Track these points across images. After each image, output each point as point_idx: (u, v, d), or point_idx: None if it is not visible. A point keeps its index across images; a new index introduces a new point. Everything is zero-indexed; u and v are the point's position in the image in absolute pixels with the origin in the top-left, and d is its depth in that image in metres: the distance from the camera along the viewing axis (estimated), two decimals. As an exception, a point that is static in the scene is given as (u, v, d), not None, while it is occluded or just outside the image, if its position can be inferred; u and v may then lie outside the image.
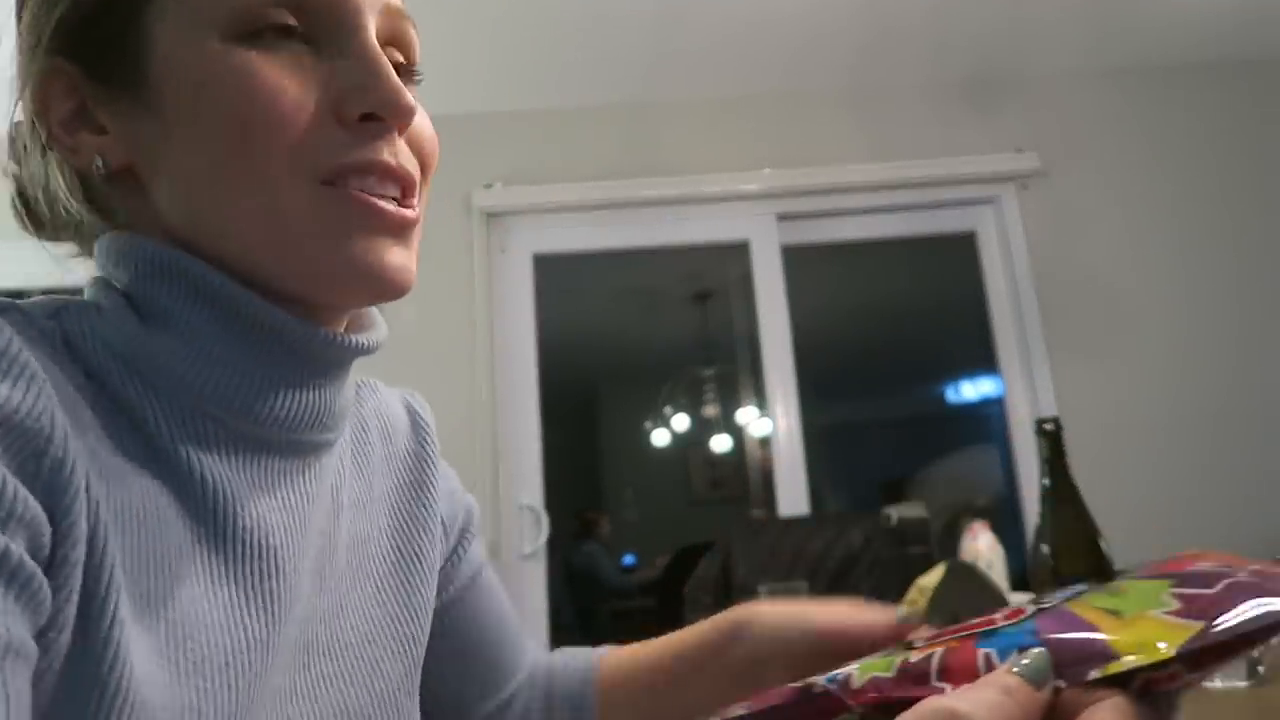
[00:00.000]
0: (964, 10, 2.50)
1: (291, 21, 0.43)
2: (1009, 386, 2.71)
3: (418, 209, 0.48)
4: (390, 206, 0.45)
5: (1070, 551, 0.90)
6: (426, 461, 0.62)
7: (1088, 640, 0.30)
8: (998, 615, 0.36)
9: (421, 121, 0.48)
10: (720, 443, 5.21)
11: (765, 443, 3.24)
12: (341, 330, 0.49)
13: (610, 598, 4.55)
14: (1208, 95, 2.82)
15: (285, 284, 0.45)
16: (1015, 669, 0.29)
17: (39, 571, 0.33)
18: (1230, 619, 0.29)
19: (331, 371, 0.48)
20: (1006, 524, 2.68)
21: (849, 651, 0.46)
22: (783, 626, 0.58)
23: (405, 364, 2.55)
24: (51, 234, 0.52)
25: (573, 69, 2.65)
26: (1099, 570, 0.89)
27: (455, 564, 0.65)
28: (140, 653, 0.37)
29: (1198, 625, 0.29)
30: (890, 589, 1.72)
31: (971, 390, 5.33)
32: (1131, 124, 2.80)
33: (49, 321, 0.42)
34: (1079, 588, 0.38)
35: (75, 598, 0.35)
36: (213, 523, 0.42)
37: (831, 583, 1.84)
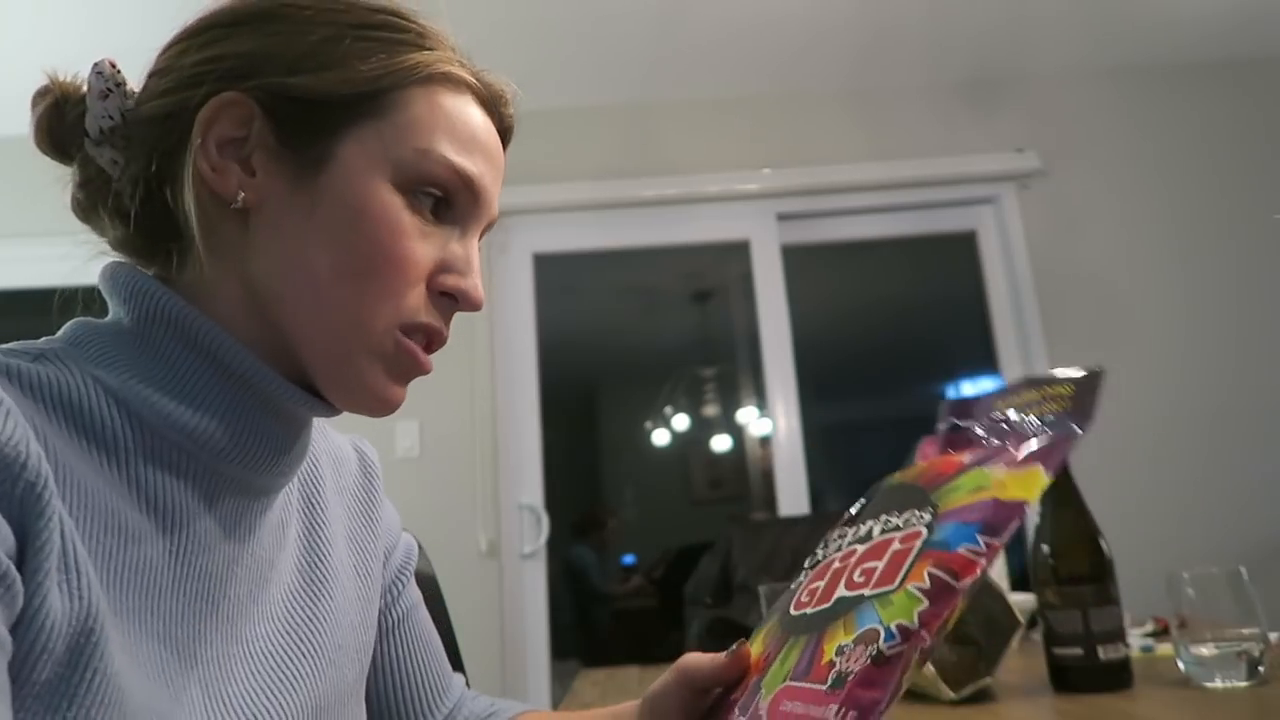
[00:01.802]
0: (964, 10, 2.50)
1: (436, 207, 0.54)
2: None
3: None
4: (425, 358, 0.55)
5: (1070, 551, 0.90)
6: (373, 495, 0.70)
7: (1002, 504, 0.40)
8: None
9: None
10: (720, 443, 5.20)
11: (765, 442, 3.24)
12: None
13: (594, 603, 4.54)
14: (1208, 95, 2.82)
15: (309, 377, 0.53)
16: None
17: (12, 570, 0.37)
18: (1058, 451, 0.42)
19: (304, 425, 0.55)
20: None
21: (706, 683, 0.56)
22: (665, 681, 0.61)
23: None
24: (87, 217, 0.57)
25: (573, 69, 2.65)
26: (1099, 569, 0.89)
27: (397, 593, 0.72)
28: (116, 647, 0.41)
29: (1037, 465, 0.42)
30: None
31: (972, 389, 5.33)
32: (1131, 124, 2.80)
33: (28, 364, 0.45)
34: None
35: (52, 602, 0.39)
36: (173, 545, 0.47)
37: (831, 582, 1.84)
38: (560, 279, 2.90)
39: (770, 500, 2.68)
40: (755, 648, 0.50)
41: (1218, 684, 0.83)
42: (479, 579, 2.47)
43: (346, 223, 0.50)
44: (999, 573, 1.37)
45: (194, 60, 0.52)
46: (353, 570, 0.63)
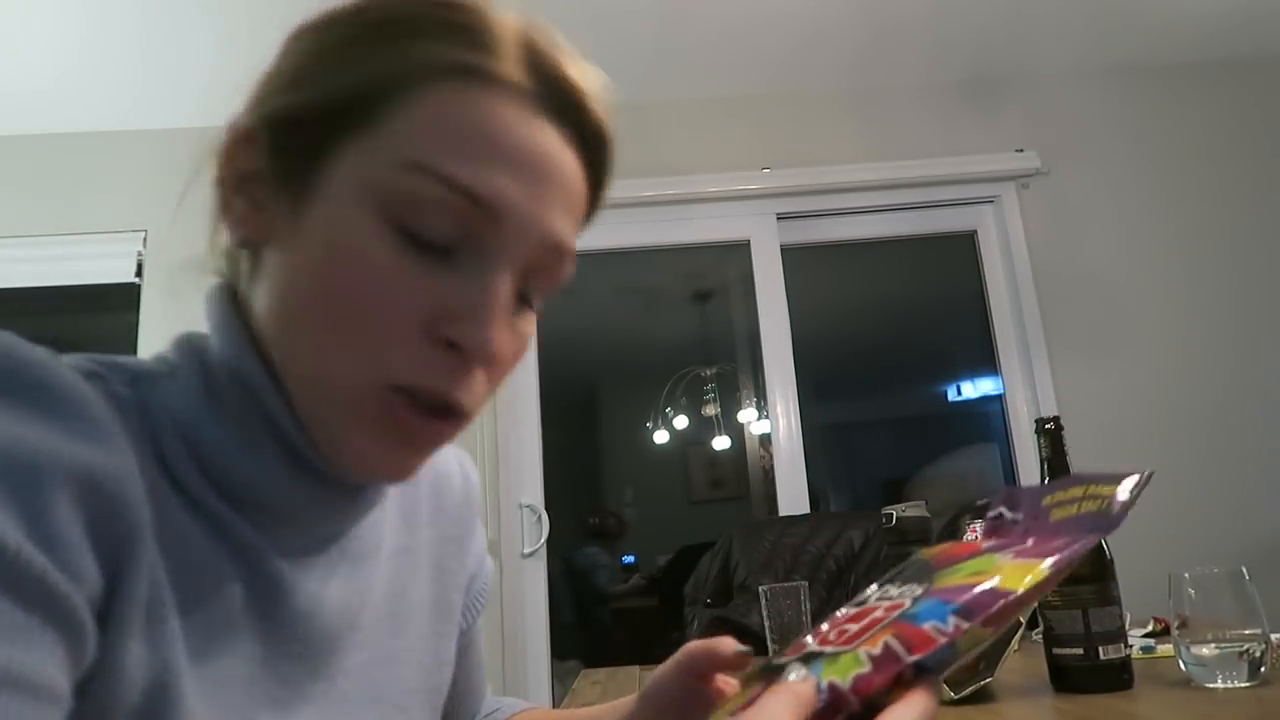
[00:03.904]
0: (964, 10, 2.49)
1: (442, 238, 0.43)
2: (1009, 385, 2.71)
3: (461, 425, 0.47)
4: (425, 421, 0.45)
5: (1070, 551, 0.90)
6: (470, 520, 0.66)
7: (986, 590, 0.40)
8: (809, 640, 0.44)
9: (506, 346, 0.47)
10: (720, 442, 5.20)
11: (765, 442, 3.23)
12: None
13: (598, 603, 4.55)
14: (1208, 95, 2.82)
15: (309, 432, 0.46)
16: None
17: (90, 623, 0.35)
18: (1069, 550, 0.42)
19: (362, 493, 0.50)
20: (1007, 523, 2.68)
21: (703, 668, 0.57)
22: (665, 671, 0.60)
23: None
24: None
25: (573, 69, 2.64)
26: (1099, 569, 0.89)
27: (471, 618, 0.68)
28: (194, 701, 0.40)
29: (1042, 559, 0.42)
30: (890, 588, 1.71)
31: (972, 389, 5.33)
32: (1131, 124, 2.80)
33: (126, 389, 0.44)
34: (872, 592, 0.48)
35: (133, 653, 0.37)
36: (253, 591, 0.45)
37: (831, 583, 1.84)
38: (560, 279, 2.88)
39: (770, 500, 2.68)
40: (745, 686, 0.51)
41: (1219, 684, 0.83)
42: (479, 579, 2.47)
43: (322, 259, 0.43)
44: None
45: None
46: (431, 604, 0.59)
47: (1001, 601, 0.39)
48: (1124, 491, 0.45)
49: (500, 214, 0.44)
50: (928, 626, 0.38)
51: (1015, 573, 0.41)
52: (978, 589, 0.40)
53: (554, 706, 0.81)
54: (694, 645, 0.58)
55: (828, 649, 0.41)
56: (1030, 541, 0.45)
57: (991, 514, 0.52)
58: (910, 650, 0.37)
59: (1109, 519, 0.44)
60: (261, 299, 0.46)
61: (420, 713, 0.56)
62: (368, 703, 0.51)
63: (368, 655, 0.52)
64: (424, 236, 0.43)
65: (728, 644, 0.56)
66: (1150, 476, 0.45)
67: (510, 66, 0.45)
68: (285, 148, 0.45)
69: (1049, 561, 0.42)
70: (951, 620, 0.38)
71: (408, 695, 0.54)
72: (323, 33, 0.47)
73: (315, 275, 0.43)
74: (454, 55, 0.44)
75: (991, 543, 0.48)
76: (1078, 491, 0.47)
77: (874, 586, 0.48)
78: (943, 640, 0.38)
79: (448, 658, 0.61)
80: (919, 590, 0.43)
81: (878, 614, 0.42)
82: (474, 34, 0.45)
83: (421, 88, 0.44)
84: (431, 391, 0.44)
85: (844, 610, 0.47)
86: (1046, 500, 0.49)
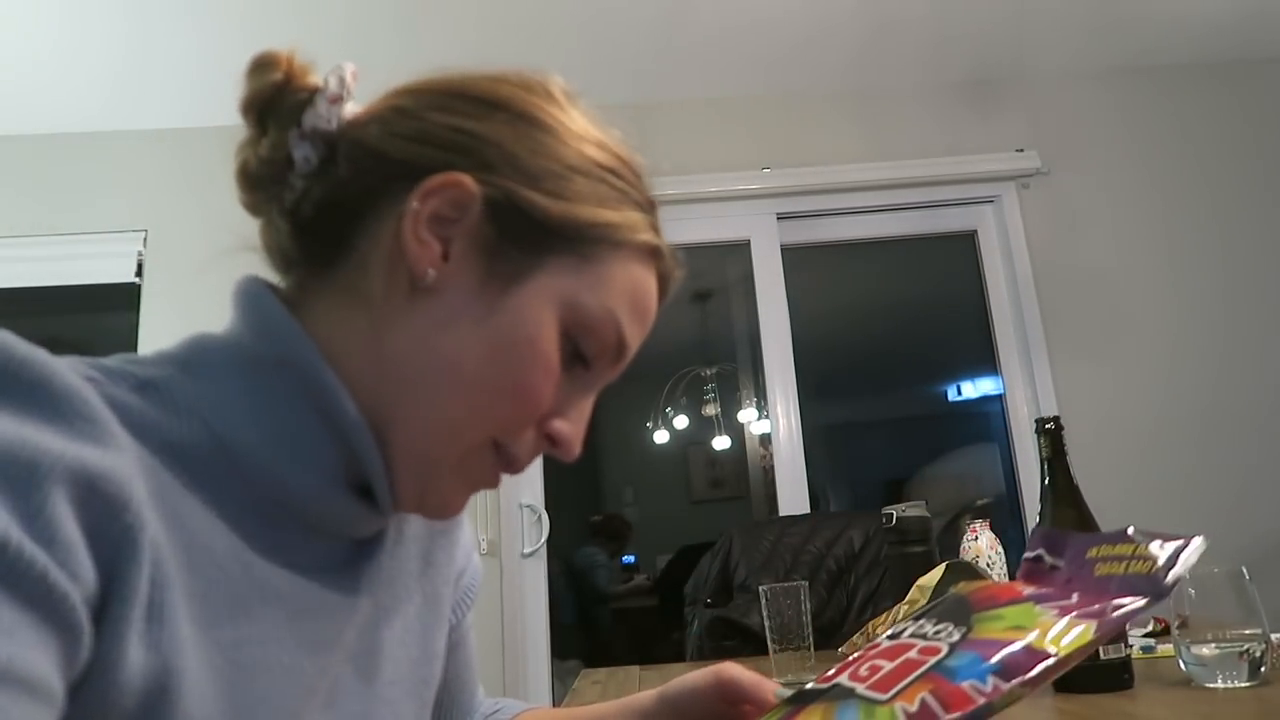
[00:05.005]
0: (964, 10, 2.49)
1: (584, 355, 0.53)
2: (1009, 385, 2.71)
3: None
4: (498, 475, 0.53)
5: (1071, 551, 0.90)
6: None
7: (1028, 650, 0.39)
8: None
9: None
10: (720, 442, 5.20)
11: (766, 441, 3.23)
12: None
13: (598, 603, 4.55)
14: (1207, 95, 2.82)
15: (388, 464, 0.50)
16: None
17: (86, 623, 0.35)
18: (1117, 614, 0.41)
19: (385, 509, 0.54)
20: (1007, 522, 2.68)
21: (740, 698, 0.60)
22: (698, 683, 0.63)
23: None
24: (251, 189, 0.54)
25: (572, 69, 2.63)
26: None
27: (460, 615, 0.69)
28: (201, 693, 0.40)
29: (1090, 622, 0.41)
30: (890, 588, 1.71)
31: (972, 389, 5.33)
32: (1131, 124, 2.80)
33: (132, 396, 0.44)
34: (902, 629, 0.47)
35: (130, 654, 0.37)
36: (279, 586, 0.46)
37: (831, 582, 1.84)
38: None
39: (770, 500, 2.68)
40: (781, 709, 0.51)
41: (1219, 684, 0.83)
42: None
43: (510, 345, 0.49)
44: (999, 572, 1.37)
45: (444, 123, 0.51)
46: (421, 598, 0.60)
47: (1043, 664, 0.38)
48: (1177, 560, 0.43)
49: (624, 358, 0.55)
50: (966, 685, 0.38)
51: (1059, 633, 0.40)
52: (1019, 647, 0.40)
53: (554, 706, 0.81)
54: (735, 674, 0.60)
55: (859, 687, 0.41)
56: (1075, 597, 0.44)
57: (1030, 554, 0.50)
58: (947, 709, 0.37)
59: (1158, 586, 0.42)
60: (409, 337, 0.49)
61: (407, 704, 0.57)
62: (356, 692, 0.52)
63: (363, 645, 0.53)
64: (579, 351, 0.53)
65: (768, 690, 0.58)
66: (1203, 545, 0.43)
67: (661, 245, 0.58)
68: (509, 229, 0.50)
69: (1094, 625, 0.40)
70: (990, 680, 0.38)
71: (393, 686, 0.55)
72: (567, 146, 0.53)
73: (499, 354, 0.49)
74: (645, 230, 0.56)
75: (1032, 590, 0.47)
76: (1126, 549, 0.45)
77: (910, 624, 0.47)
78: (980, 701, 0.37)
79: (436, 650, 0.61)
80: (956, 636, 0.42)
81: (912, 655, 0.42)
82: (655, 213, 0.59)
83: (626, 250, 0.54)
84: (518, 460, 0.53)
85: (881, 638, 0.47)
86: (1092, 552, 0.47)
